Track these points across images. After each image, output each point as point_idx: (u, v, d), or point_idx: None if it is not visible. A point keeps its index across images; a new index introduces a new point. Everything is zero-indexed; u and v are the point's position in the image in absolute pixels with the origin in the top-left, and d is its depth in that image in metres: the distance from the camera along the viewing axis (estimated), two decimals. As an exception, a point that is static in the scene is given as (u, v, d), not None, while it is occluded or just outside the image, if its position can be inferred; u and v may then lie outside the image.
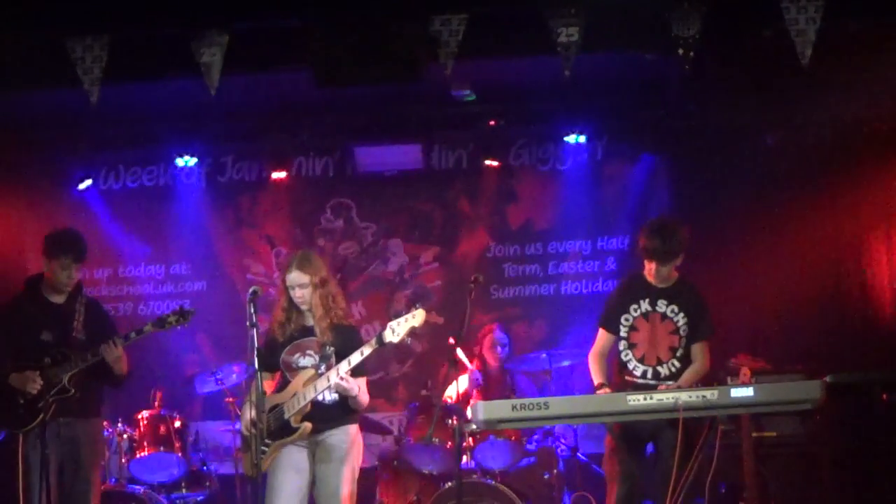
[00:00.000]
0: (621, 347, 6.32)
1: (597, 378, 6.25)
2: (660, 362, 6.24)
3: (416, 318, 5.69)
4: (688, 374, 6.19)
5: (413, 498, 7.57)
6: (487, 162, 9.32)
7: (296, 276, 5.91)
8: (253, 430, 5.61)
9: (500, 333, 8.29)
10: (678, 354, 6.26)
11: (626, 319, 6.31)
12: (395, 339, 5.70)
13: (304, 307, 5.95)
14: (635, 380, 6.23)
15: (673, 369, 6.24)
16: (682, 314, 6.26)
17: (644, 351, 6.26)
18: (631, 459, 6.14)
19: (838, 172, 8.16)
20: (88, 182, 9.34)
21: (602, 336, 6.40)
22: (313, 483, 5.87)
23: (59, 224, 7.04)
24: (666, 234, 6.20)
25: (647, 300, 6.30)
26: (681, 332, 6.26)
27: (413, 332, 5.79)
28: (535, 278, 9.46)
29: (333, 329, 5.90)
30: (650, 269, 6.27)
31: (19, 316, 6.39)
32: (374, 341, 5.72)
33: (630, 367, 6.28)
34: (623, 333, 6.31)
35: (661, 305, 6.29)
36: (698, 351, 6.28)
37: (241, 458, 6.17)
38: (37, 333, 6.28)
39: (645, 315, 6.29)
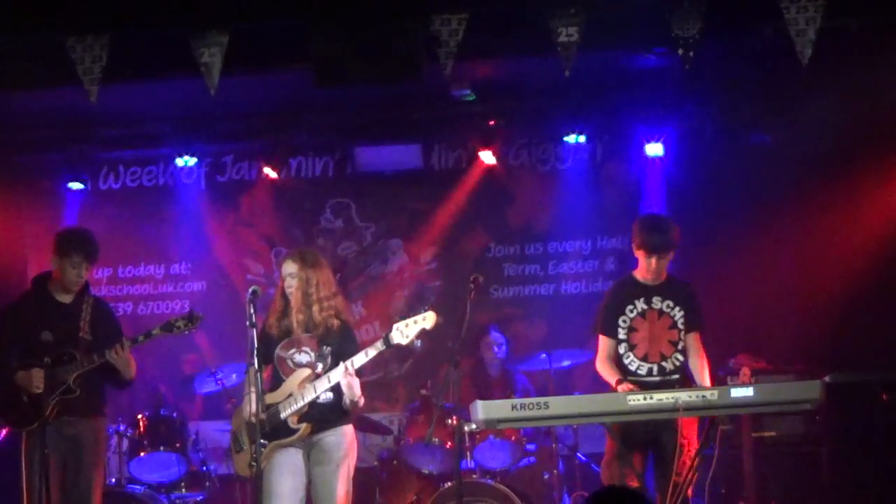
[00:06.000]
0: (622, 351, 6.29)
1: (612, 378, 6.19)
2: (663, 358, 6.24)
3: (427, 320, 5.60)
4: (700, 376, 6.21)
5: (412, 498, 7.57)
6: (487, 161, 9.30)
7: (287, 266, 5.92)
8: (253, 421, 5.49)
9: (495, 334, 8.28)
10: (679, 347, 6.27)
11: (624, 321, 6.30)
12: (404, 342, 5.62)
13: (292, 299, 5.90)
14: (640, 380, 6.21)
15: (677, 363, 6.25)
16: (677, 308, 6.28)
17: (646, 349, 6.25)
18: (632, 462, 6.13)
19: (838, 172, 8.16)
20: (79, 185, 9.25)
21: (604, 342, 6.35)
22: (309, 484, 5.85)
23: (60, 224, 7.01)
24: (663, 227, 6.28)
25: (641, 299, 6.30)
26: (679, 325, 6.28)
27: (422, 335, 5.66)
28: (535, 278, 9.46)
29: (315, 324, 5.81)
30: (647, 266, 6.26)
31: (25, 314, 6.33)
32: (380, 343, 5.65)
33: (633, 367, 6.25)
34: (622, 336, 6.29)
35: (657, 302, 6.30)
36: (695, 343, 6.30)
37: (232, 459, 6.09)
38: (41, 332, 6.24)
39: (642, 314, 6.29)
